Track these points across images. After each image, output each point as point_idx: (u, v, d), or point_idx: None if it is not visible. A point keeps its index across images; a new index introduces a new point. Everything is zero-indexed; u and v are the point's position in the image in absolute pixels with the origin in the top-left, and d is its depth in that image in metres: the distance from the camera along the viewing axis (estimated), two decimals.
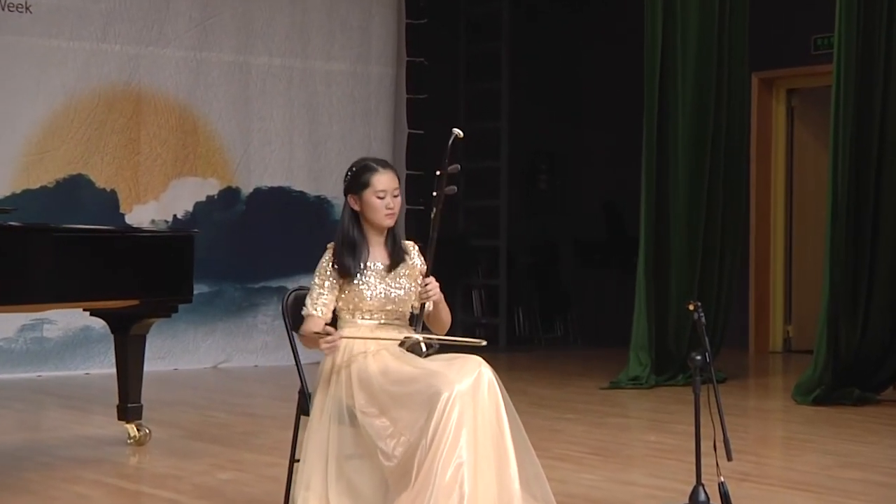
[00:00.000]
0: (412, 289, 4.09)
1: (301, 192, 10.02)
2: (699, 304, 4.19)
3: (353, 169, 4.10)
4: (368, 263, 4.05)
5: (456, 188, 4.16)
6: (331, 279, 4.03)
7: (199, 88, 9.58)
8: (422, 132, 10.47)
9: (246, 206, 9.80)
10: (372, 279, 4.04)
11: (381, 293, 4.04)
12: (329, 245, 4.10)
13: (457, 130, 4.18)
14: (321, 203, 10.09)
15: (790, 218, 10.90)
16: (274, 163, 9.90)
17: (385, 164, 4.11)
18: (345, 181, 4.11)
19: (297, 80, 9.99)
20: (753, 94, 10.40)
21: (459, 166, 4.16)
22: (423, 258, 4.18)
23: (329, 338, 3.89)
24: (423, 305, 4.08)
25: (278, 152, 9.92)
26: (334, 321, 4.09)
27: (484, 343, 3.93)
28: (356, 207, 4.08)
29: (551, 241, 12.46)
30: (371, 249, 4.08)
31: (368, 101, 10.28)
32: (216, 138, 9.67)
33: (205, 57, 9.60)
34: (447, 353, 3.99)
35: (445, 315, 4.17)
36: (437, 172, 4.14)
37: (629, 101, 10.04)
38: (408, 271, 4.10)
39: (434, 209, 4.12)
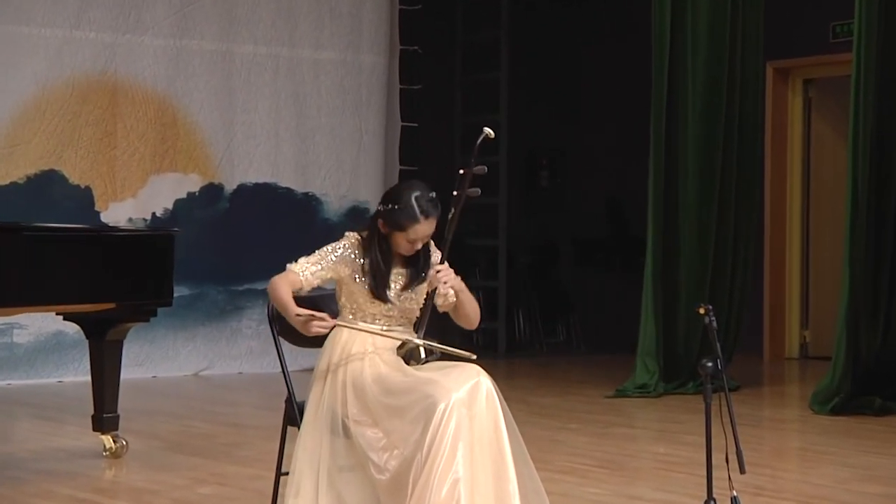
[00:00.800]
0: (419, 300, 4.05)
1: (288, 189, 10.02)
2: (710, 307, 4.18)
3: (396, 207, 3.91)
4: None
5: (480, 191, 4.10)
6: (332, 262, 3.96)
7: (179, 78, 9.58)
8: (416, 125, 10.47)
9: (229, 204, 9.80)
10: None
11: (391, 300, 4.00)
12: (348, 234, 4.02)
13: (487, 130, 4.13)
14: (309, 200, 10.09)
15: (807, 215, 10.91)
16: (259, 157, 9.90)
17: (430, 212, 3.93)
18: (383, 206, 3.96)
19: (283, 69, 9.98)
20: (768, 85, 10.41)
21: (486, 168, 4.10)
22: (439, 253, 4.12)
23: (322, 322, 3.82)
24: (426, 308, 4.04)
25: (264, 146, 9.92)
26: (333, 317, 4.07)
27: (473, 357, 3.89)
28: (383, 231, 3.98)
29: (552, 240, 12.47)
30: (394, 259, 4.02)
31: (359, 92, 10.28)
32: (197, 131, 9.67)
33: (185, 45, 9.59)
34: (444, 360, 3.99)
35: (472, 308, 4.09)
36: (461, 171, 4.08)
37: (635, 94, 10.05)
38: (419, 282, 4.06)
39: (452, 209, 4.06)
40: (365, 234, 4.03)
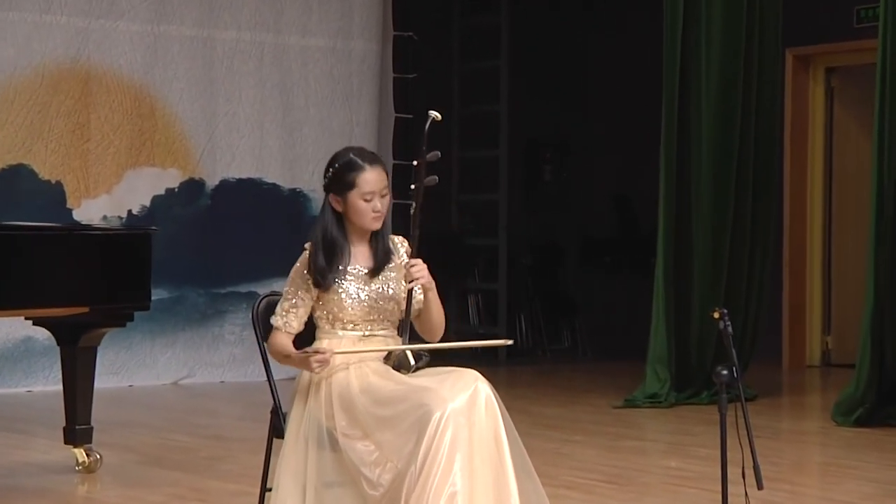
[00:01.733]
0: (401, 285, 4.08)
1: (274, 185, 10.02)
2: (725, 311, 4.19)
3: (336, 165, 4.05)
4: (349, 268, 4.05)
5: (437, 178, 4.15)
6: (306, 288, 4.03)
7: (156, 66, 9.58)
8: (410, 116, 10.47)
9: (211, 201, 9.80)
10: (353, 286, 4.03)
11: (364, 301, 4.03)
12: (306, 246, 4.09)
13: (434, 113, 4.19)
14: (296, 197, 10.09)
15: (829, 213, 10.92)
16: (243, 151, 9.90)
17: (373, 160, 4.07)
18: (325, 178, 4.08)
19: (268, 57, 9.99)
20: (788, 73, 10.41)
21: (440, 153, 4.16)
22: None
23: (319, 356, 3.89)
24: (408, 308, 4.06)
25: (248, 139, 9.92)
26: (312, 333, 4.09)
27: (510, 342, 3.93)
28: (339, 209, 4.06)
29: (556, 239, 12.47)
30: (353, 251, 4.08)
31: (350, 82, 10.29)
32: (177, 123, 9.67)
33: (163, 31, 9.59)
34: (438, 366, 4.00)
35: (438, 315, 4.12)
36: (415, 162, 4.15)
37: (645, 82, 10.05)
38: (395, 269, 4.10)
39: (413, 204, 4.13)
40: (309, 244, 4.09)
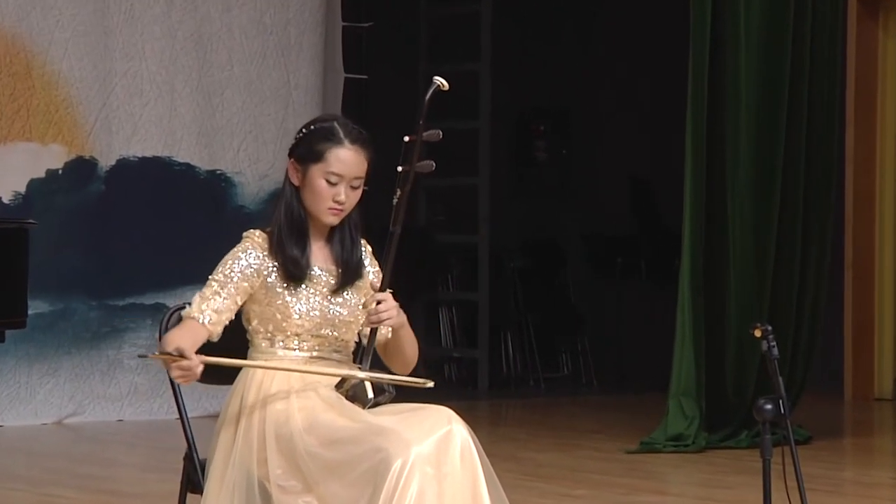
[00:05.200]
0: (359, 307, 4.10)
1: (187, 166, 9.99)
2: (769, 328, 4.22)
3: (311, 127, 4.12)
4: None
5: (434, 165, 4.16)
6: (237, 282, 4.03)
7: (34, 12, 9.54)
8: (365, 77, 10.46)
9: (106, 186, 9.77)
10: (304, 290, 4.06)
11: (315, 311, 4.05)
12: (247, 234, 4.11)
13: (439, 79, 4.20)
14: (217, 181, 10.07)
15: None
16: (147, 122, 9.87)
17: (358, 139, 4.10)
18: (295, 138, 4.13)
19: (179, 0, 9.96)
20: (850, 22, 10.44)
21: (441, 133, 4.17)
22: (377, 264, 4.20)
23: (183, 362, 3.78)
24: (373, 330, 4.09)
25: (153, 107, 9.89)
26: (242, 345, 4.09)
27: (430, 384, 3.93)
28: (295, 181, 4.10)
29: (554, 237, 12.49)
30: (311, 247, 4.11)
31: (286, 32, 10.27)
32: (61, 85, 9.64)
33: None
34: (404, 402, 4.01)
35: (410, 347, 4.18)
36: (406, 139, 4.15)
37: (667, 34, 10.09)
38: (358, 290, 4.12)
39: (398, 192, 4.13)
40: (271, 229, 4.09)
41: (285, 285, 4.04)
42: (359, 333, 4.14)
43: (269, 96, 10.14)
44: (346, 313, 4.09)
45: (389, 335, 4.15)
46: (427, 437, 3.79)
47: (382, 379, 4.03)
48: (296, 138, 4.13)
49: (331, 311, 4.08)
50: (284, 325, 4.05)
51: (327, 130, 4.09)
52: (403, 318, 4.11)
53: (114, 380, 9.75)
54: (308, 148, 4.08)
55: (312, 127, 4.11)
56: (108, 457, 8.62)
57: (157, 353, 3.85)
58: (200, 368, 3.83)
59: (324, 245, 4.14)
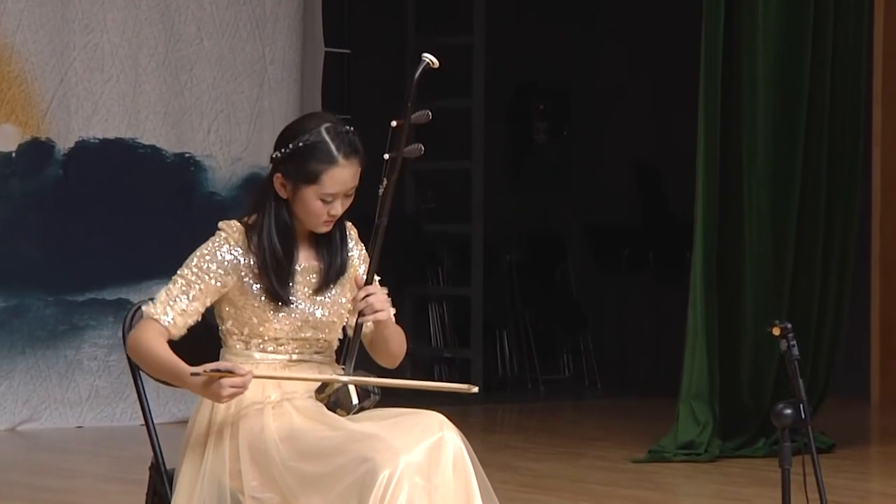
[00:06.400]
0: (344, 305, 4.11)
1: (153, 148, 9.98)
2: (789, 326, 4.22)
3: (300, 143, 4.05)
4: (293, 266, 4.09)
5: (422, 148, 4.17)
6: (207, 281, 4.03)
7: None
8: (348, 52, 10.46)
9: (64, 171, 9.76)
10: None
11: (295, 314, 4.06)
12: (222, 225, 4.10)
13: (428, 57, 4.22)
14: (185, 165, 10.06)
15: None
16: (108, 101, 9.86)
17: (351, 149, 4.06)
18: (279, 151, 4.07)
19: None
20: (878, 4, 10.45)
21: (430, 114, 4.18)
22: (363, 246, 4.21)
23: (235, 378, 3.85)
24: (358, 328, 4.09)
25: (116, 84, 9.88)
26: (211, 344, 4.09)
27: (475, 390, 3.92)
28: (282, 195, 4.07)
29: (553, 227, 12.49)
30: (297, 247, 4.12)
31: (261, 1, 10.26)
32: (14, 61, 9.63)
33: None
34: (391, 406, 4.01)
35: (397, 342, 4.19)
36: (394, 123, 4.15)
37: (677, 9, 10.08)
38: (343, 285, 4.13)
39: (385, 180, 4.13)
40: (250, 218, 4.08)
41: (262, 292, 4.04)
42: (343, 329, 4.14)
43: (243, 72, 10.13)
44: (328, 314, 4.10)
45: (372, 326, 4.14)
46: (416, 445, 3.80)
47: (426, 386, 4.04)
48: (280, 151, 4.06)
49: (313, 313, 4.07)
50: (262, 329, 4.06)
51: (318, 149, 4.03)
52: (390, 312, 4.12)
53: (72, 383, 9.74)
54: (298, 168, 4.04)
55: (300, 143, 4.03)
56: (67, 467, 8.61)
57: (207, 370, 3.87)
58: (250, 378, 3.89)
59: (309, 244, 4.14)
